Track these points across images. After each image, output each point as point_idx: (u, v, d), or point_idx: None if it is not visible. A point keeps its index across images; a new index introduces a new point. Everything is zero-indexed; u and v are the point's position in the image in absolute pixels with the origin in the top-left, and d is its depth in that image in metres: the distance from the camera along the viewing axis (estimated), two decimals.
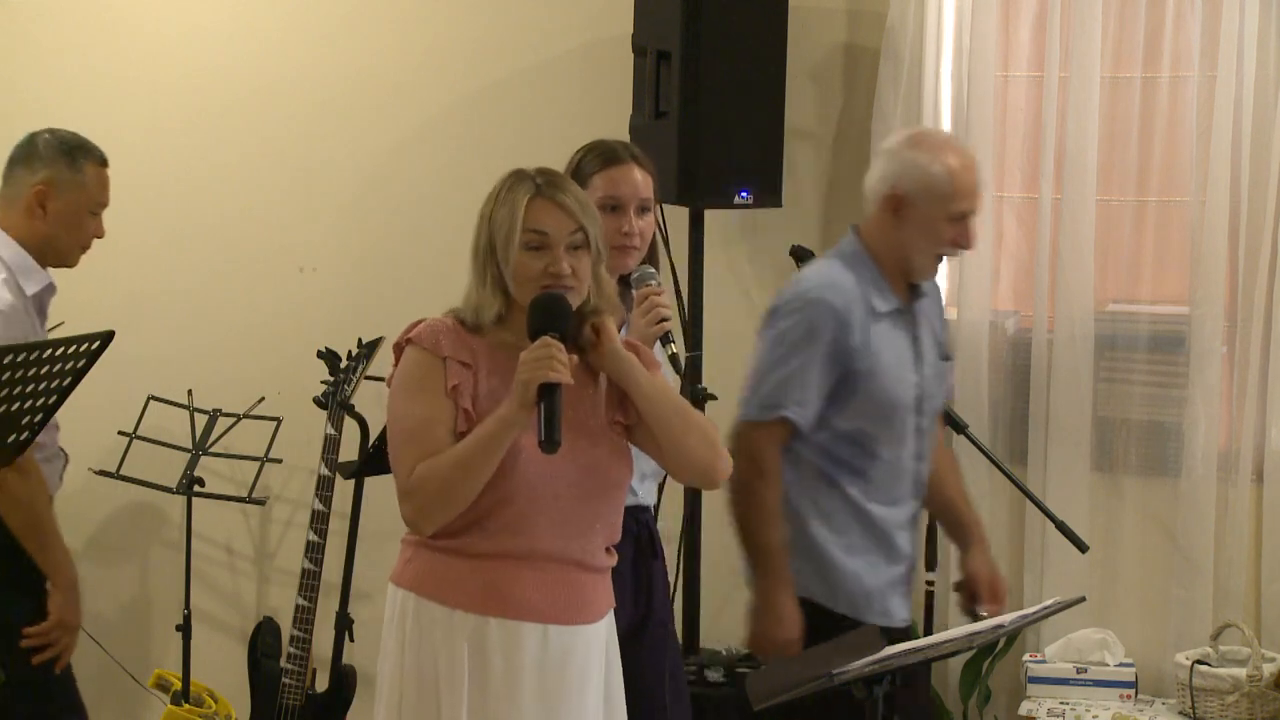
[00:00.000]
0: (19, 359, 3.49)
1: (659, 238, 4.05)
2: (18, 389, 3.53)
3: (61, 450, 4.50)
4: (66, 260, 4.40)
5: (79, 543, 6.16)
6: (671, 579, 4.64)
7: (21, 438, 3.62)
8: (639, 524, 3.97)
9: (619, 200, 3.85)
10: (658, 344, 3.79)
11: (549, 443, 3.26)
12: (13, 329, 4.18)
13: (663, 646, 4.03)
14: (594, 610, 3.48)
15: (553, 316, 3.33)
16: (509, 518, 3.36)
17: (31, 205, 4.29)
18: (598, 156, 3.89)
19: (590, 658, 3.47)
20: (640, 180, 3.88)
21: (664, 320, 3.77)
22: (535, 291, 3.35)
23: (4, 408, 3.51)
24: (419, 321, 3.43)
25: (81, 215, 4.34)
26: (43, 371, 3.59)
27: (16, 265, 4.28)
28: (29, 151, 4.34)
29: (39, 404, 3.61)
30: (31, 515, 4.22)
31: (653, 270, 3.87)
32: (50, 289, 4.37)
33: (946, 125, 5.57)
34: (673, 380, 4.00)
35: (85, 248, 4.41)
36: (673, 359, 3.78)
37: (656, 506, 4.14)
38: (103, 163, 4.39)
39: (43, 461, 4.29)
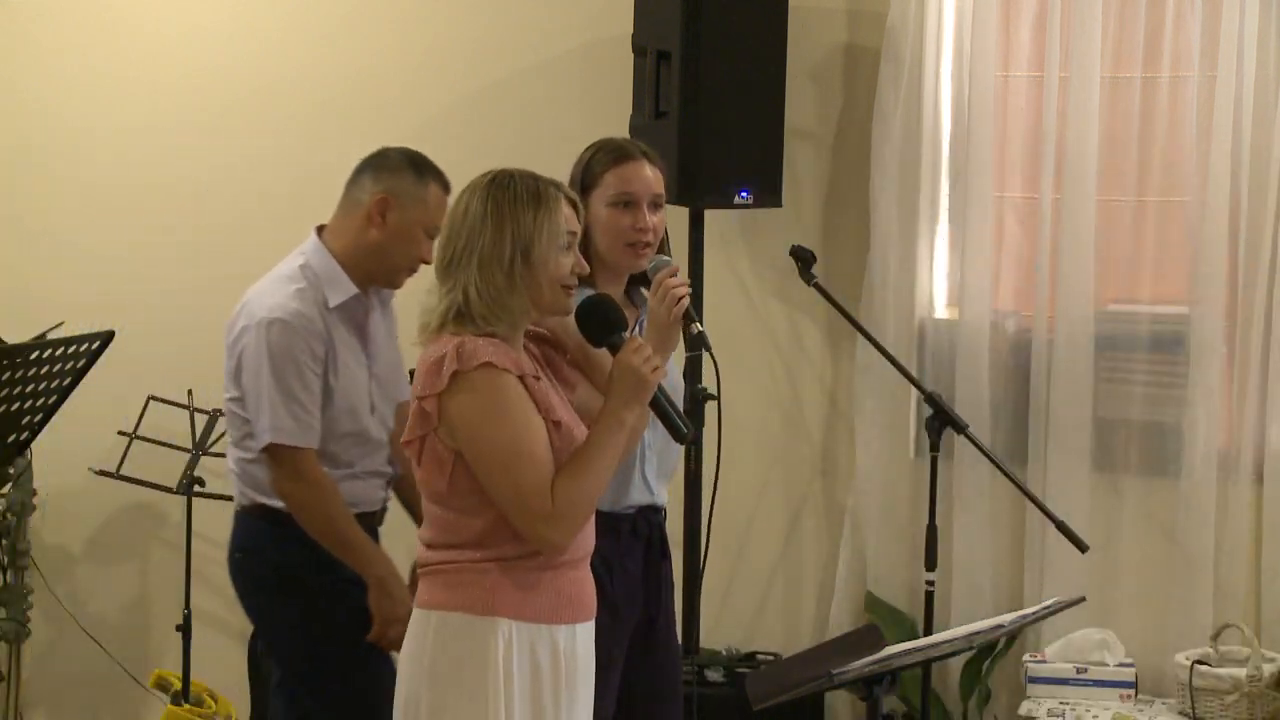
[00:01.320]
0: (19, 359, 3.50)
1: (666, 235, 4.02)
2: (18, 389, 3.54)
3: (389, 468, 4.32)
4: (393, 279, 4.25)
5: (79, 543, 6.16)
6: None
7: (21, 437, 3.64)
8: (651, 525, 3.96)
9: (632, 196, 3.81)
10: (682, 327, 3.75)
11: (689, 431, 3.39)
12: (292, 338, 4.10)
13: (669, 647, 4.03)
14: None
15: (618, 316, 3.41)
16: None
17: (371, 213, 4.18)
18: (608, 154, 3.86)
19: None
20: (652, 176, 3.85)
21: (681, 300, 3.66)
22: (558, 292, 3.37)
23: (4, 408, 3.52)
24: (461, 342, 3.30)
25: (416, 231, 4.17)
26: (43, 371, 3.60)
27: (325, 276, 4.19)
28: (378, 162, 4.24)
29: (39, 404, 3.63)
30: (323, 523, 4.14)
31: (667, 259, 3.83)
32: (358, 300, 4.22)
33: (946, 125, 5.58)
34: (677, 374, 3.99)
35: (413, 270, 4.23)
36: (699, 337, 3.73)
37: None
38: (446, 187, 4.22)
39: (349, 479, 4.21)
